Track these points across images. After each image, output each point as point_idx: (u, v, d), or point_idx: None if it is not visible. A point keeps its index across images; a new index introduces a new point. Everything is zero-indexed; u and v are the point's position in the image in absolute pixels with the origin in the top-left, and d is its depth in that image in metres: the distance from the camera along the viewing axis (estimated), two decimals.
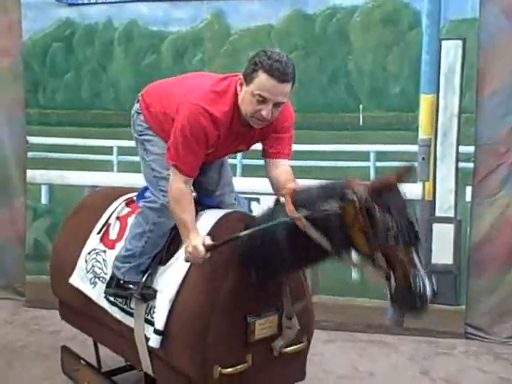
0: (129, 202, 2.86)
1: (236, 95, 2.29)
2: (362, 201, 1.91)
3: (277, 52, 2.23)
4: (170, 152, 2.34)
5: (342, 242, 2.00)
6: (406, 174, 1.96)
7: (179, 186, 2.34)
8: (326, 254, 2.07)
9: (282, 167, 2.42)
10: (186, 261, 2.32)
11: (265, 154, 2.47)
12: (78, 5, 4.38)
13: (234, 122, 2.33)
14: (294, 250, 2.13)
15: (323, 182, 2.17)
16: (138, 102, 2.61)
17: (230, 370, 2.29)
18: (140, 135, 2.59)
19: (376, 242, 1.88)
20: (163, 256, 2.51)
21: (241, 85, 2.27)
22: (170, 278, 2.41)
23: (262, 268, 2.27)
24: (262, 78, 2.18)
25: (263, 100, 2.21)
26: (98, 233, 2.84)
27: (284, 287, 2.36)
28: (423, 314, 1.90)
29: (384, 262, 1.88)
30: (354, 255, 2.04)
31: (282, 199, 2.19)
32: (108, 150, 4.45)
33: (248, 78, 2.23)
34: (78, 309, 2.91)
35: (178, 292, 2.35)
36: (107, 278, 2.67)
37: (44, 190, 4.57)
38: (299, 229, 2.06)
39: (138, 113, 2.59)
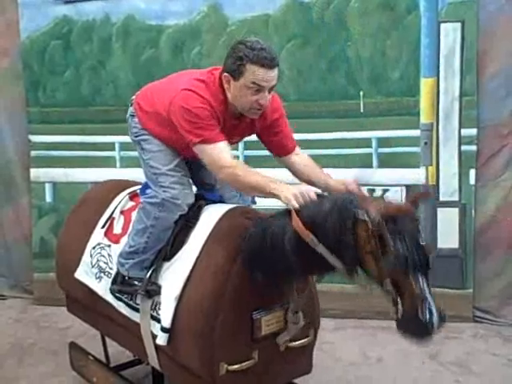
0: (132, 196, 2.86)
1: (223, 90, 2.31)
2: (375, 224, 1.85)
3: (255, 40, 2.25)
4: (190, 136, 2.30)
5: (351, 263, 1.96)
6: (423, 200, 1.95)
7: (224, 157, 2.26)
8: (333, 269, 2.05)
9: (298, 157, 2.49)
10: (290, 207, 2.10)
11: (276, 155, 2.55)
12: (74, 2, 4.37)
13: (225, 115, 2.34)
14: (301, 261, 2.09)
15: (334, 196, 2.12)
16: (131, 105, 2.64)
17: (236, 366, 2.29)
18: (136, 136, 2.60)
19: (386, 266, 1.84)
20: (167, 251, 2.49)
21: (228, 82, 2.29)
22: (175, 275, 2.40)
23: (266, 272, 2.25)
24: (252, 69, 2.21)
25: (259, 89, 2.24)
26: (103, 227, 2.83)
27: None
28: (429, 341, 1.88)
29: (392, 287, 1.85)
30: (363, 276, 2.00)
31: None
32: (110, 146, 4.46)
33: (236, 74, 2.24)
34: (84, 303, 2.92)
35: (184, 289, 2.34)
36: (112, 272, 2.67)
37: (48, 188, 4.58)
38: (308, 243, 2.03)
39: (132, 115, 2.61)
